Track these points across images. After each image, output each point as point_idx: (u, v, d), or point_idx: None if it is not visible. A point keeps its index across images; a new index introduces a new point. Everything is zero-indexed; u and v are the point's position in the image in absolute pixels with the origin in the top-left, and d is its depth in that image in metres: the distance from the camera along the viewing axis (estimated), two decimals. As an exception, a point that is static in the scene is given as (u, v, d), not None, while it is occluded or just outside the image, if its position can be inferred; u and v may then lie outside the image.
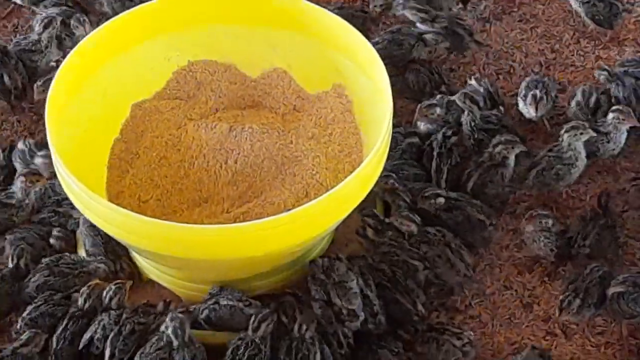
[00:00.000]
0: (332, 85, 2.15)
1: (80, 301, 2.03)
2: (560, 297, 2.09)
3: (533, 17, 2.62)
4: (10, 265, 2.16)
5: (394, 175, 2.21)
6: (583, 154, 2.24)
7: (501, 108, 2.42)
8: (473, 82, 2.43)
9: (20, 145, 2.36)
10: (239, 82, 2.22)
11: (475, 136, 2.33)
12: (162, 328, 1.96)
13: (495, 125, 2.36)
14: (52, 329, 2.05)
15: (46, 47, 2.50)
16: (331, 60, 2.16)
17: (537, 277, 2.18)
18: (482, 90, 2.42)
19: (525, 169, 2.27)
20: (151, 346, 1.96)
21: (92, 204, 1.87)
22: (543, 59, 2.56)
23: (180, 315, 1.95)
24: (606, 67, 2.49)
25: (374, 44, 2.29)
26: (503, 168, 2.24)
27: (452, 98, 2.40)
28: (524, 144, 2.33)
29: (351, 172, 1.89)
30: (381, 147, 1.90)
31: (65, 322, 2.02)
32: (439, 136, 2.31)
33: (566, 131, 2.24)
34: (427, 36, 2.57)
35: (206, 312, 1.97)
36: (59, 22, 2.54)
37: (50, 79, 2.08)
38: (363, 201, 1.95)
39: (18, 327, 2.06)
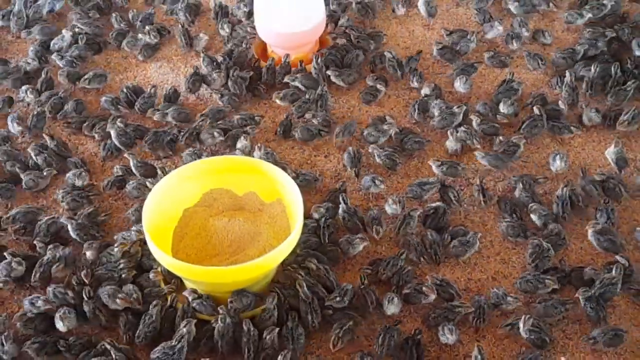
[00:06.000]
0: (276, 199, 2.23)
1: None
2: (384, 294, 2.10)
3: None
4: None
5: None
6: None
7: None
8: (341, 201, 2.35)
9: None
10: (233, 198, 2.27)
11: (345, 222, 2.34)
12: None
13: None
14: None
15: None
16: (276, 186, 2.22)
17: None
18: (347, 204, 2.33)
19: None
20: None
21: (164, 259, 2.01)
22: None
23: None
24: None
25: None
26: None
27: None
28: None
29: (284, 239, 2.03)
30: (298, 229, 2.05)
31: (153, 304, 2.06)
32: (323, 219, 2.30)
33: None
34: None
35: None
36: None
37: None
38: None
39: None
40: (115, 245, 2.25)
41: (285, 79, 2.78)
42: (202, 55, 2.90)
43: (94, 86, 2.83)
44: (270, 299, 2.09)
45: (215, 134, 2.62)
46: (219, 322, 2.02)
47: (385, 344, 2.02)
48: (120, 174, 2.52)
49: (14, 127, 2.68)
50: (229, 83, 2.79)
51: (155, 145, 2.60)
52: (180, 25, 3.06)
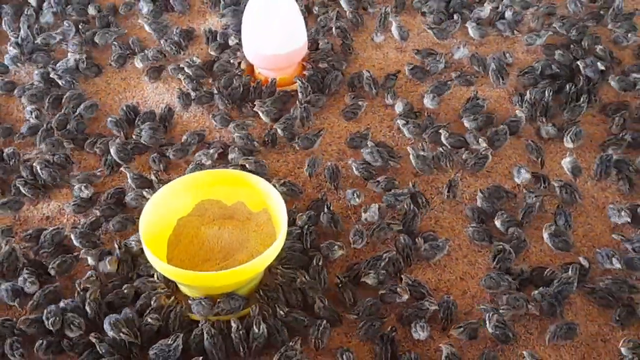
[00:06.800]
0: (263, 208, 2.24)
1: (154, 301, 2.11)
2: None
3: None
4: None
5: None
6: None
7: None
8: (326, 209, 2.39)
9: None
10: (223, 208, 2.28)
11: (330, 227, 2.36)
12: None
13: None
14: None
15: None
16: (262, 197, 2.23)
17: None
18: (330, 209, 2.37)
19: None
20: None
21: (160, 265, 2.03)
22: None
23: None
24: None
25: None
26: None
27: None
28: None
29: (270, 245, 2.05)
30: (282, 236, 2.07)
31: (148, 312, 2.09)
32: (306, 227, 2.32)
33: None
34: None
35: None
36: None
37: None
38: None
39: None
40: (107, 259, 2.26)
41: (256, 109, 2.79)
42: (181, 77, 2.93)
43: (88, 116, 2.85)
44: (253, 307, 2.10)
45: (212, 150, 2.66)
46: (206, 335, 2.03)
47: (364, 328, 2.06)
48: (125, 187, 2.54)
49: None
50: (216, 97, 2.82)
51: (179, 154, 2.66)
52: (167, 41, 3.14)
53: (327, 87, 2.92)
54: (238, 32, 3.06)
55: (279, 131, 2.71)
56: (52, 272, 2.23)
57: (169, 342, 2.00)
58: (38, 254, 2.33)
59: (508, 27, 3.19)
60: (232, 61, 3.05)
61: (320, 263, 2.20)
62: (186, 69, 2.98)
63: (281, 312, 2.09)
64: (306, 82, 2.87)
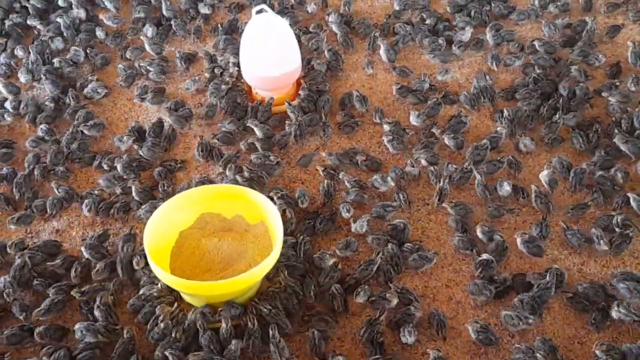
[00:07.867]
0: (260, 221, 2.24)
1: (159, 310, 2.13)
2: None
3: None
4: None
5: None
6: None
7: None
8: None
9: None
10: (223, 221, 2.28)
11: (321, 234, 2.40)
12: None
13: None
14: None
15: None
16: (260, 210, 2.23)
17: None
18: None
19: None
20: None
21: (163, 275, 2.02)
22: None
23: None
24: None
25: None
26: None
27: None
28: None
29: (267, 256, 2.05)
30: (278, 247, 2.06)
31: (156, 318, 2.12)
32: (300, 238, 2.33)
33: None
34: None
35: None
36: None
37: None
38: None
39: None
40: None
41: (248, 123, 2.83)
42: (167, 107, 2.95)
43: (93, 134, 2.86)
44: (249, 308, 2.13)
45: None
46: (202, 334, 2.06)
47: (366, 335, 2.07)
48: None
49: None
50: (213, 100, 2.89)
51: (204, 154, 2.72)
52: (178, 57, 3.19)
53: (320, 108, 2.92)
54: (235, 54, 3.08)
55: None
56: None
57: (178, 338, 2.04)
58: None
59: (493, 59, 3.14)
60: (228, 79, 3.08)
61: (333, 273, 2.23)
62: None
63: (273, 311, 2.10)
64: (294, 106, 2.87)
